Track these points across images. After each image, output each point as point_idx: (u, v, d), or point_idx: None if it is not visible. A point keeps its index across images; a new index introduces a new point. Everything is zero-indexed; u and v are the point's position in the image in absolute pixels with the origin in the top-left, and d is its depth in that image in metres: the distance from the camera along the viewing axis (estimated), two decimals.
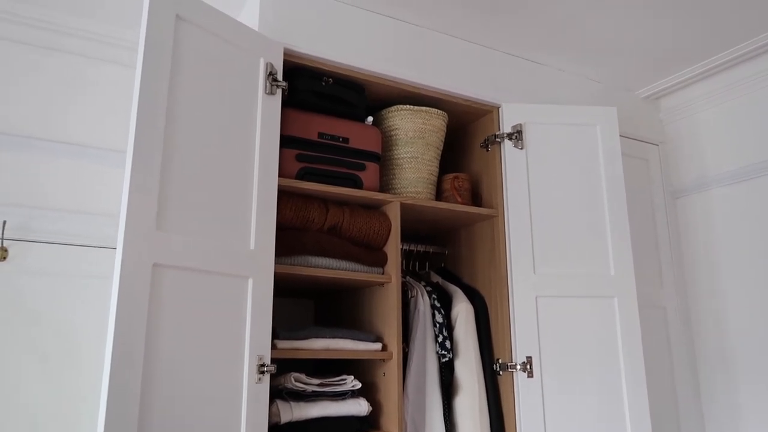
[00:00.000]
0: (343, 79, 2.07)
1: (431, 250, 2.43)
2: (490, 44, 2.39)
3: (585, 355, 2.08)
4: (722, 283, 2.54)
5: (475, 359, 2.07)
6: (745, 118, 2.54)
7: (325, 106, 2.01)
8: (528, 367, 2.04)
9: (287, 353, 1.75)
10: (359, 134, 2.05)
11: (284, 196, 1.88)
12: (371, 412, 1.94)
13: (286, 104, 1.96)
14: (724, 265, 2.54)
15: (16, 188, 2.08)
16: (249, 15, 2.05)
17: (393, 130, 2.18)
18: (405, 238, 2.54)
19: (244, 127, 1.73)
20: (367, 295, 2.11)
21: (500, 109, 2.32)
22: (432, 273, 2.39)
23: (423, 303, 2.07)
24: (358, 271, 1.98)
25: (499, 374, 2.09)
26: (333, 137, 2.00)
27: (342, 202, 2.04)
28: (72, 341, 2.06)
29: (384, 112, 2.21)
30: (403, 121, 2.17)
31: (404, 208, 2.11)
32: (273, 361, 1.68)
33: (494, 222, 2.23)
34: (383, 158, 2.19)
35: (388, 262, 2.03)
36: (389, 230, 2.04)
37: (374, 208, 2.12)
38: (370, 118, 2.11)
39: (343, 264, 1.96)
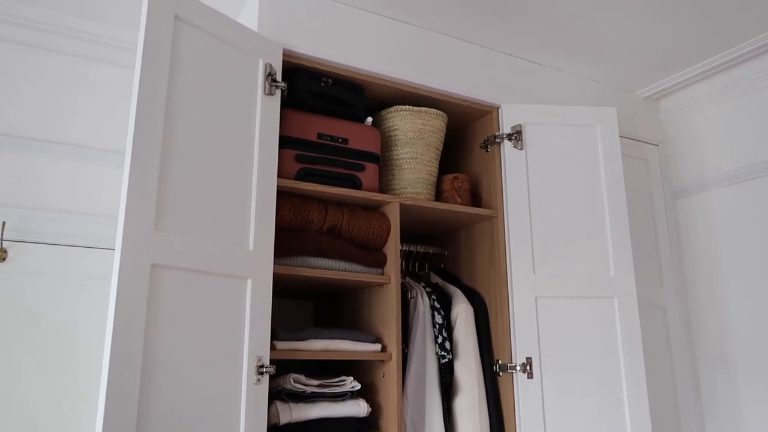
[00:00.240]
0: (342, 79, 2.07)
1: (431, 250, 2.43)
2: (490, 44, 2.39)
3: (585, 355, 2.08)
4: (722, 284, 2.54)
5: (474, 360, 2.06)
6: (745, 118, 2.53)
7: (324, 107, 2.01)
8: (528, 367, 2.03)
9: (286, 354, 1.75)
10: (358, 135, 2.05)
11: (283, 196, 1.88)
12: (371, 413, 1.93)
13: (285, 105, 1.95)
14: (724, 265, 2.54)
15: (16, 189, 2.08)
16: (248, 16, 2.05)
17: (392, 130, 2.18)
18: (404, 238, 2.54)
19: (243, 127, 1.73)
20: (366, 296, 2.11)
21: (500, 109, 2.32)
22: (432, 274, 2.39)
23: (422, 304, 2.07)
24: (357, 272, 1.98)
25: (499, 375, 2.09)
26: (332, 138, 1.99)
27: (341, 203, 2.04)
28: (71, 342, 2.06)
29: (383, 112, 2.21)
30: (403, 121, 2.17)
31: (404, 208, 2.11)
32: (272, 362, 1.67)
33: (494, 223, 2.23)
34: (383, 159, 2.19)
35: (388, 262, 2.03)
36: (389, 231, 2.04)
37: (373, 209, 2.12)
38: (369, 119, 2.11)
39: (343, 265, 1.96)
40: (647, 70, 2.62)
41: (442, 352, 2.03)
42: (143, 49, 1.51)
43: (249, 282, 1.64)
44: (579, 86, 2.61)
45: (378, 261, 2.02)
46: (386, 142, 2.19)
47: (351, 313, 2.20)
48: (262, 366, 1.61)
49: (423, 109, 2.19)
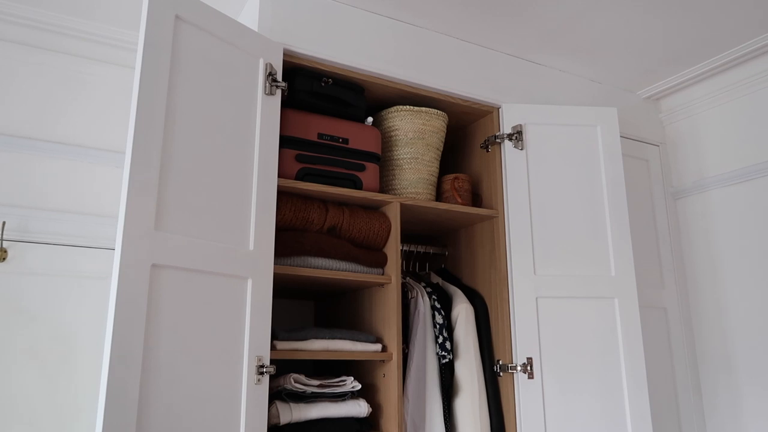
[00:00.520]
0: (342, 79, 2.07)
1: (431, 250, 2.42)
2: (491, 45, 2.39)
3: (586, 356, 2.07)
4: (723, 284, 2.54)
5: (475, 360, 2.06)
6: (745, 118, 2.53)
7: (324, 107, 2.01)
8: (528, 368, 2.03)
9: (286, 354, 1.75)
10: (359, 135, 2.05)
11: (284, 196, 1.88)
12: (371, 413, 1.93)
13: (285, 105, 1.95)
14: (725, 265, 2.54)
15: (15, 189, 2.08)
16: (248, 15, 2.05)
17: (393, 130, 2.18)
18: (405, 238, 2.54)
19: (244, 127, 1.73)
20: (366, 296, 2.11)
21: (500, 109, 2.32)
22: (432, 274, 2.39)
23: (423, 304, 2.07)
24: (357, 271, 1.98)
25: (500, 375, 2.09)
26: (332, 138, 1.99)
27: (342, 203, 2.04)
28: (70, 342, 2.06)
29: (384, 112, 2.21)
30: (403, 121, 2.17)
31: (404, 208, 2.11)
32: (272, 362, 1.67)
33: (494, 223, 2.22)
34: (383, 159, 2.18)
35: (388, 262, 2.02)
36: (389, 231, 2.04)
37: (374, 209, 2.11)
38: (369, 119, 2.11)
39: (343, 265, 1.95)
40: (648, 70, 2.62)
41: (443, 352, 2.02)
42: (144, 48, 1.51)
43: (249, 282, 1.63)
44: (579, 86, 2.61)
45: (378, 261, 2.02)
46: (387, 142, 2.19)
47: (351, 313, 2.19)
48: (262, 366, 1.61)
49: (423, 109, 2.18)
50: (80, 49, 2.26)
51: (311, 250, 1.89)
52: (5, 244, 2.01)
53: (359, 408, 1.86)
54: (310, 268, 1.88)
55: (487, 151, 2.33)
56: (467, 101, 2.28)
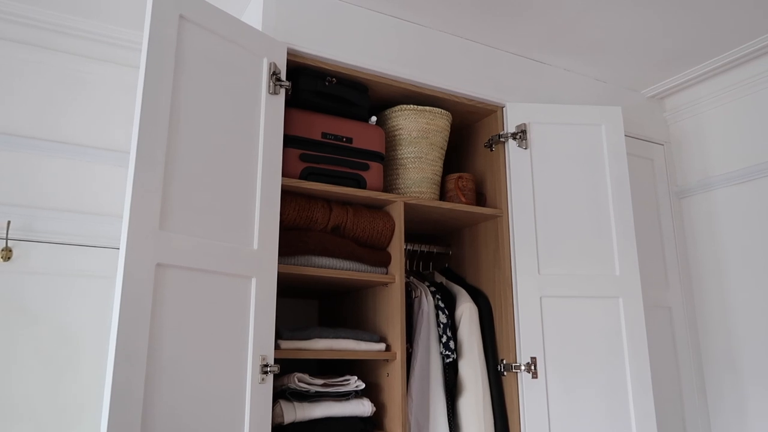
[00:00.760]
0: (346, 78, 2.07)
1: (435, 250, 2.42)
2: (495, 44, 2.38)
3: (590, 355, 2.07)
4: (728, 283, 2.53)
5: (479, 360, 2.06)
6: (750, 117, 2.52)
7: (328, 106, 2.01)
8: (532, 367, 2.03)
9: (290, 353, 1.75)
10: (363, 134, 2.04)
11: (288, 195, 1.88)
12: (375, 412, 1.93)
13: (289, 104, 1.96)
14: (730, 265, 2.53)
15: (20, 189, 2.09)
16: (252, 15, 2.05)
17: (397, 130, 2.18)
18: (409, 238, 2.54)
19: (248, 126, 1.73)
20: (370, 295, 2.11)
21: (504, 108, 2.31)
22: (436, 273, 2.39)
23: (427, 303, 2.07)
24: (361, 271, 1.98)
25: (504, 375, 2.08)
26: (336, 137, 1.99)
27: (346, 202, 2.04)
28: (75, 341, 2.06)
29: (388, 111, 2.21)
30: (407, 120, 2.17)
31: (408, 208, 2.11)
32: (276, 361, 1.67)
33: (498, 222, 2.22)
34: (387, 158, 2.18)
35: (392, 262, 2.02)
36: (393, 230, 2.04)
37: (378, 208, 2.11)
38: (373, 118, 2.11)
39: (347, 264, 1.95)
40: (652, 69, 2.61)
41: (447, 352, 2.02)
42: (148, 48, 1.51)
43: (253, 281, 1.64)
44: (584, 85, 2.60)
45: (382, 260, 2.02)
46: (390, 141, 2.19)
47: (355, 313, 2.19)
48: (266, 365, 1.61)
49: (427, 108, 2.18)
50: (80, 48, 2.27)
51: (315, 249, 1.89)
52: (10, 244, 2.02)
53: (363, 407, 1.86)
54: (314, 267, 1.88)
55: (491, 150, 2.33)
56: (471, 100, 2.28)
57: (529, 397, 2.01)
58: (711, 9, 2.19)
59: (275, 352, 1.69)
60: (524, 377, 2.03)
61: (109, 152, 2.24)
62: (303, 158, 1.91)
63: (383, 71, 2.10)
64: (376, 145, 2.06)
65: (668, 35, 2.36)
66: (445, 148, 2.27)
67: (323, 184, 1.91)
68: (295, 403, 1.76)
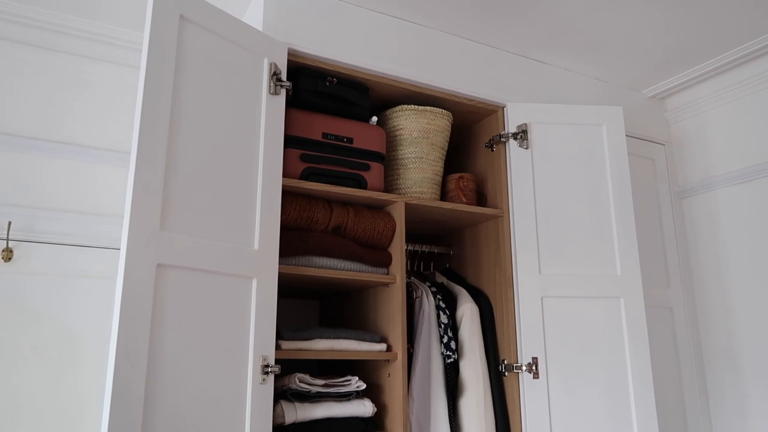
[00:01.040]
0: (347, 79, 2.07)
1: (436, 250, 2.42)
2: (495, 44, 2.38)
3: (591, 355, 2.07)
4: (729, 283, 2.52)
5: (480, 360, 2.06)
6: (751, 117, 2.52)
7: (329, 106, 2.01)
8: (534, 367, 2.02)
9: (291, 354, 1.75)
10: (363, 134, 2.04)
11: (288, 196, 1.88)
12: (376, 412, 1.93)
13: (290, 104, 1.95)
14: (731, 265, 2.52)
15: (21, 189, 2.09)
16: (253, 15, 2.05)
17: (397, 130, 2.18)
18: (410, 238, 2.53)
19: (248, 127, 1.73)
20: (371, 295, 2.10)
21: (505, 108, 2.31)
22: (437, 273, 2.39)
23: (428, 303, 2.07)
24: (362, 271, 1.97)
25: (505, 375, 2.08)
26: (337, 137, 1.99)
27: (346, 203, 2.04)
28: (75, 341, 2.06)
29: (388, 112, 2.21)
30: (408, 121, 2.17)
31: (409, 208, 2.11)
32: (277, 361, 1.67)
33: (499, 222, 2.22)
34: (388, 158, 2.18)
35: (393, 262, 2.02)
36: (394, 230, 2.04)
37: (379, 209, 2.11)
38: (374, 118, 2.11)
39: (348, 264, 1.95)
40: (653, 69, 2.61)
41: (448, 352, 2.02)
42: (148, 48, 1.51)
43: (254, 281, 1.63)
44: (584, 85, 2.60)
45: (383, 260, 2.01)
46: (391, 141, 2.18)
47: (356, 313, 2.19)
48: (267, 365, 1.61)
49: (428, 108, 2.18)
50: (81, 49, 2.27)
51: (316, 249, 1.89)
52: (11, 244, 2.02)
53: (364, 408, 1.86)
54: (315, 267, 1.88)
55: (492, 150, 2.33)
56: (472, 100, 2.28)
57: (531, 398, 2.00)
58: (712, 9, 2.18)
59: (276, 352, 1.69)
60: (525, 377, 2.02)
61: (110, 153, 2.24)
62: (303, 158, 1.91)
63: (383, 71, 2.10)
64: (376, 145, 2.06)
65: (669, 35, 2.35)
66: (446, 149, 2.27)
67: (324, 184, 1.91)
68: (296, 403, 1.76)
